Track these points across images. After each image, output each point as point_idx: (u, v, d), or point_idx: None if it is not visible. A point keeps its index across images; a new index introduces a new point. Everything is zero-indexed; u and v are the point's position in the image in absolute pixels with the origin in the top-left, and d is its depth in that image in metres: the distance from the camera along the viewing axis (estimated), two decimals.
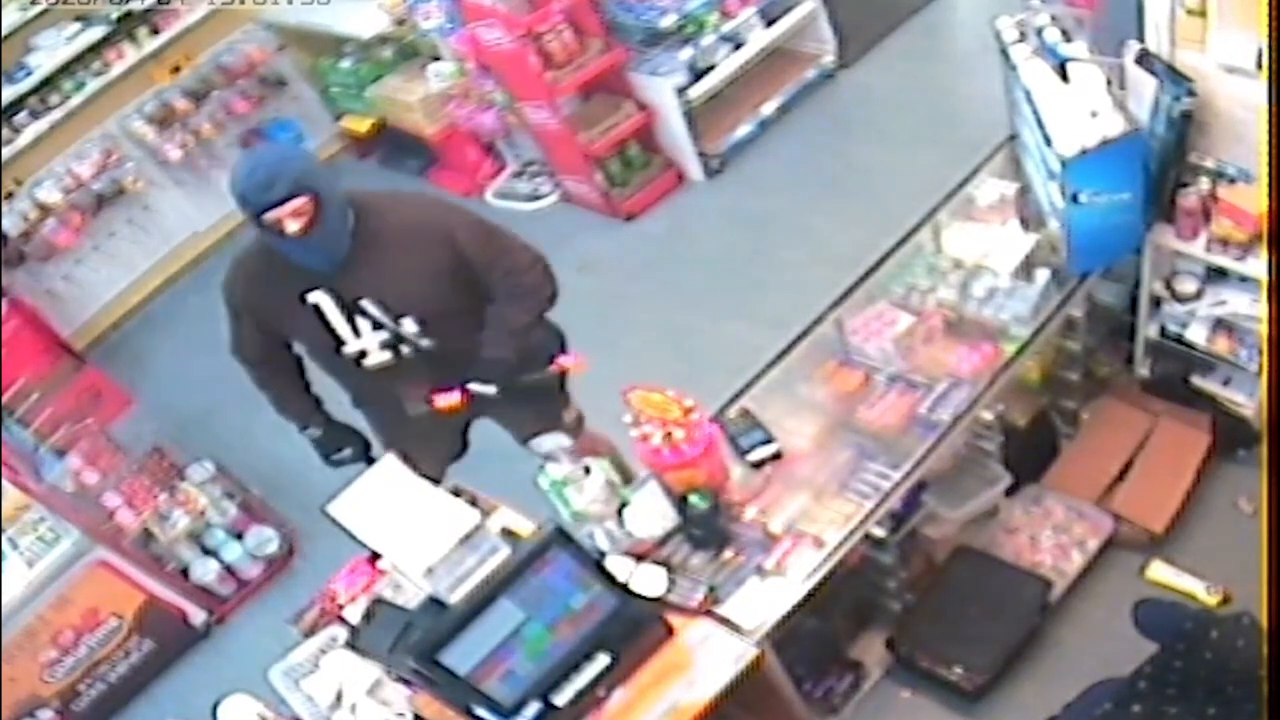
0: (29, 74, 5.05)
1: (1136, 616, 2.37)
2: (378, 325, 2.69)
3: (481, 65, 4.87)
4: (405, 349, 2.74)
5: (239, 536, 4.12)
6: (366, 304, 2.66)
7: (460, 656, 2.13)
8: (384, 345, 2.73)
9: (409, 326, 2.70)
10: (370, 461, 2.93)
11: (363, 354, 2.75)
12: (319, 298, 2.65)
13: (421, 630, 2.13)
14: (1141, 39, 2.65)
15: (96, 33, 5.15)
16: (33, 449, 4.14)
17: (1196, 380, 3.29)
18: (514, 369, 2.79)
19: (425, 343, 2.73)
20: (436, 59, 5.15)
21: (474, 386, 2.79)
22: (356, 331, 2.71)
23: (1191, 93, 2.53)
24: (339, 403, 3.01)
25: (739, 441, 2.75)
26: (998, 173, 3.21)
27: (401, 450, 2.69)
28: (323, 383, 2.96)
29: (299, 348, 2.86)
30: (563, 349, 2.96)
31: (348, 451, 2.98)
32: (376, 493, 2.27)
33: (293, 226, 2.49)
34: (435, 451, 3.09)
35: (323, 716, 2.49)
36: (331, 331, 2.70)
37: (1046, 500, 3.32)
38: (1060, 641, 3.08)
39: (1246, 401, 3.20)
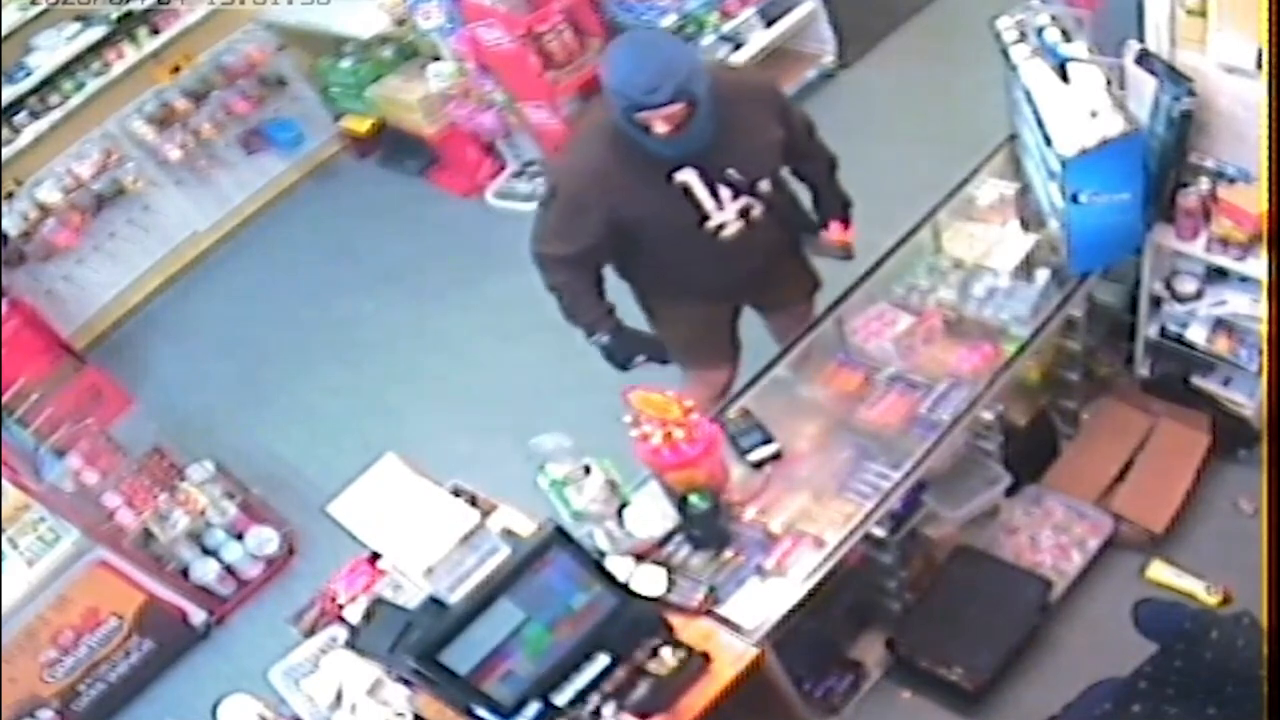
0: (29, 74, 5.04)
1: (1136, 616, 2.37)
2: (738, 193, 2.75)
3: (481, 65, 4.87)
4: (755, 213, 2.81)
5: (239, 536, 4.12)
6: (731, 173, 2.70)
7: (460, 656, 2.13)
8: (739, 213, 2.79)
9: (764, 187, 2.78)
10: (665, 363, 3.01)
11: (721, 225, 2.79)
12: (686, 175, 2.68)
13: (421, 630, 2.12)
14: (1141, 39, 2.64)
15: (96, 33, 5.14)
16: (33, 449, 4.13)
17: (1196, 380, 3.29)
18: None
19: (764, 208, 2.81)
20: (436, 59, 5.14)
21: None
22: (720, 203, 2.75)
23: (1191, 93, 2.52)
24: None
25: (739, 441, 2.75)
26: (998, 173, 3.20)
27: (687, 351, 3.05)
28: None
29: (648, 232, 2.81)
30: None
31: (642, 356, 2.98)
32: (376, 493, 2.26)
33: (662, 129, 2.51)
34: (721, 347, 3.22)
35: (323, 716, 2.49)
36: (697, 206, 2.74)
37: (1046, 500, 3.32)
38: (1060, 641, 3.08)
39: (1246, 401, 3.20)
